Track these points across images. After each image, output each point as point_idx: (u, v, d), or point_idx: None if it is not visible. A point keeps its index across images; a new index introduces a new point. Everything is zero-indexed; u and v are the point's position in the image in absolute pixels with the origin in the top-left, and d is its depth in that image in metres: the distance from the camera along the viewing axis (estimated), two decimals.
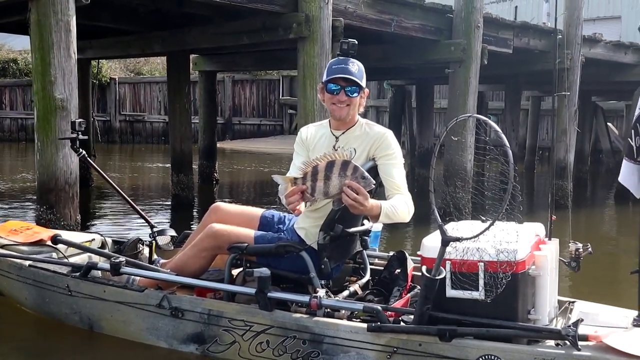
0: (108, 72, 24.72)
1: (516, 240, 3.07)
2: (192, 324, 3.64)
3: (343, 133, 3.61)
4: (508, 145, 2.91)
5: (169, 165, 10.74)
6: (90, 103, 12.00)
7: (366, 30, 8.82)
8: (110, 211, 9.42)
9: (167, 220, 9.11)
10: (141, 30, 10.10)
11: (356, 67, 3.48)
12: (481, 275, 3.01)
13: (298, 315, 3.42)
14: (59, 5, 5.87)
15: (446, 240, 3.02)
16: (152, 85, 26.10)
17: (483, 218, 3.07)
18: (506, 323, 3.04)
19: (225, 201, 4.07)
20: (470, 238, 2.99)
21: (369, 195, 3.11)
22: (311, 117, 7.42)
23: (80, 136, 4.68)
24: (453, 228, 3.20)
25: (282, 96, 27.04)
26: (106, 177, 4.89)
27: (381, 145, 3.51)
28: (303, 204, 3.21)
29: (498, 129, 3.08)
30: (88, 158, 4.85)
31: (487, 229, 2.95)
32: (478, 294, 3.02)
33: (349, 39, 3.58)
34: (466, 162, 9.24)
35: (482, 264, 3.01)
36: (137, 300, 3.77)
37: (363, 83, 3.50)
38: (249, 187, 13.41)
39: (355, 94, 3.49)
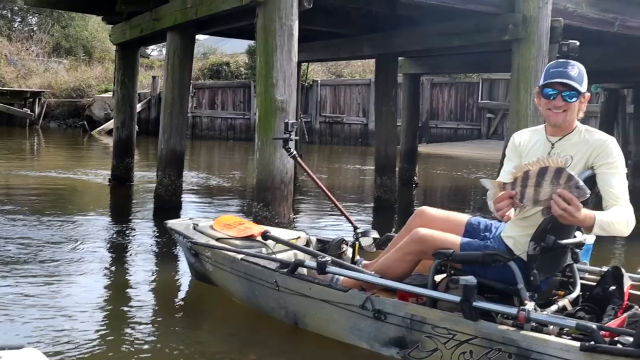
0: (311, 74, 25.61)
1: None
2: (394, 327, 3.61)
3: (560, 139, 3.40)
4: None
5: (368, 167, 10.83)
6: (299, 105, 12.42)
7: (586, 30, 8.34)
8: (314, 210, 9.68)
9: (369, 222, 9.18)
10: (351, 33, 10.30)
11: (576, 71, 3.28)
12: None
13: (504, 327, 3.27)
14: (284, 11, 6.12)
15: None
16: (352, 88, 26.64)
17: None
18: None
19: (430, 206, 3.99)
20: None
21: (581, 206, 2.89)
22: (524, 122, 7.13)
23: (293, 136, 4.85)
24: None
25: (481, 100, 26.41)
26: (314, 177, 5.01)
27: (602, 153, 3.26)
28: (512, 210, 3.03)
29: None
30: (298, 158, 5.00)
31: None
32: None
33: (570, 41, 3.40)
34: None
35: None
36: (341, 300, 3.81)
37: (583, 87, 3.28)
38: (448, 192, 13.19)
39: (573, 99, 3.28)
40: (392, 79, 10.57)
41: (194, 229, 4.85)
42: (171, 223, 5.17)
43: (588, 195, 2.90)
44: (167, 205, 8.41)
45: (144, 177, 11.86)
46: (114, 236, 7.04)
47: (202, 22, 8.26)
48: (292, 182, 6.35)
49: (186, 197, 9.56)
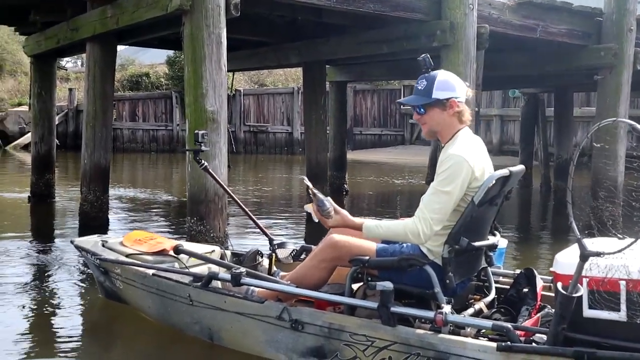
0: (234, 83, 25.38)
1: None
2: (312, 337, 3.54)
3: (442, 149, 3.51)
4: None
5: (295, 175, 10.74)
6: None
7: (510, 36, 8.51)
8: (249, 223, 9.48)
9: (301, 232, 9.07)
10: (277, 41, 10.19)
11: (423, 84, 3.40)
12: (623, 294, 2.80)
13: (422, 331, 3.26)
14: (212, 19, 5.97)
15: (585, 255, 2.81)
16: (276, 97, 26.60)
17: (620, 236, 2.87)
18: None
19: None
20: (614, 253, 2.76)
21: (328, 217, 3.48)
22: None
23: (203, 147, 4.75)
24: (592, 243, 2.95)
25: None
26: (227, 189, 5.02)
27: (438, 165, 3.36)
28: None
29: None
30: (209, 169, 4.91)
31: (634, 242, 2.72)
32: (619, 315, 2.83)
33: (423, 55, 3.49)
34: (615, 173, 8.68)
35: (623, 282, 2.81)
36: (257, 312, 3.71)
37: (433, 95, 3.37)
38: (376, 199, 13.24)
39: (422, 111, 3.42)
40: (320, 87, 10.53)
41: (103, 246, 4.67)
42: (78, 241, 4.97)
43: (327, 210, 3.47)
44: (93, 223, 8.07)
45: (66, 193, 11.39)
46: (32, 257, 6.65)
47: (123, 31, 7.99)
48: (226, 196, 6.17)
49: (113, 213, 9.20)
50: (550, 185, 14.18)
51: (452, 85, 3.39)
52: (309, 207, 3.63)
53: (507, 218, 10.89)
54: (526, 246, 8.28)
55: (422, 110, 3.41)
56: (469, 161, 3.24)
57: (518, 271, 3.87)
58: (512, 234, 8.98)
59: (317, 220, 3.59)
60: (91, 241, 4.86)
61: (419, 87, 3.41)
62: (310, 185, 3.58)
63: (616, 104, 8.74)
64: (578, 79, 11.57)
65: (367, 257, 3.49)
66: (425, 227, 3.24)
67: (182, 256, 4.42)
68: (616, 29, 8.72)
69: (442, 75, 3.42)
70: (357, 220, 3.48)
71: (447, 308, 3.23)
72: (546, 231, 10.07)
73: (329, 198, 3.56)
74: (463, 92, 3.42)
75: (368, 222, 3.43)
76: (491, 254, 3.75)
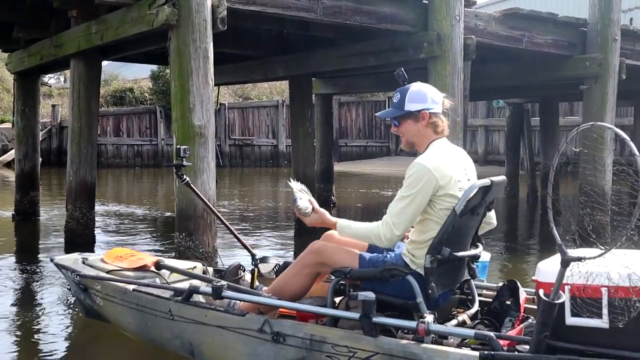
0: (219, 97, 25.32)
1: None
2: (293, 349, 3.48)
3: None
4: (638, 153, 2.64)
5: (282, 188, 10.67)
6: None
7: (496, 47, 8.53)
8: (223, 239, 9.40)
9: (290, 246, 9.00)
10: (264, 55, 10.15)
11: (397, 97, 3.49)
12: (604, 301, 2.79)
13: (405, 341, 3.22)
14: (198, 33, 5.92)
15: (566, 261, 2.78)
16: (261, 110, 26.59)
17: (602, 247, 2.79)
18: (637, 355, 2.78)
19: None
20: (594, 257, 2.73)
21: (305, 215, 3.53)
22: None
23: (185, 162, 4.71)
24: (575, 252, 2.90)
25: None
26: (209, 204, 5.02)
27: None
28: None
29: (625, 135, 2.83)
30: (191, 185, 4.86)
31: (614, 247, 2.69)
32: (601, 322, 2.81)
33: (399, 69, 3.57)
34: (602, 181, 8.70)
35: (605, 289, 2.79)
36: (239, 325, 3.66)
37: (405, 107, 3.44)
38: (363, 210, 13.21)
39: (397, 123, 3.51)
40: (307, 100, 10.51)
41: (84, 263, 4.63)
42: (58, 259, 4.92)
43: (304, 210, 3.52)
44: (79, 240, 7.97)
45: (51, 210, 11.25)
46: (15, 277, 6.54)
47: (108, 47, 7.92)
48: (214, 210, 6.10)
49: (100, 230, 9.08)
50: (537, 194, 14.22)
51: (424, 97, 3.44)
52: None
53: (495, 228, 10.90)
54: (513, 257, 8.26)
55: (396, 122, 3.51)
56: (431, 169, 3.28)
57: (501, 284, 3.87)
58: (499, 244, 8.97)
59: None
60: (71, 259, 4.83)
61: (394, 100, 3.51)
62: (292, 185, 3.68)
63: (602, 113, 8.77)
64: (563, 88, 11.63)
65: (349, 268, 3.48)
66: (386, 230, 3.32)
67: (164, 272, 4.40)
68: (601, 39, 8.76)
69: (414, 88, 3.47)
70: (333, 219, 3.54)
71: (429, 317, 3.21)
72: (533, 240, 10.08)
73: (310, 197, 3.63)
74: (437, 104, 3.45)
75: (341, 222, 3.51)
76: (474, 266, 3.74)
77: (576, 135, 2.93)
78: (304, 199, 3.58)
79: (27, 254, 7.91)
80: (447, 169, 3.33)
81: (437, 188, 3.29)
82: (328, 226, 3.59)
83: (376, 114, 3.84)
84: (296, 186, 3.65)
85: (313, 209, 3.56)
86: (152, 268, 4.38)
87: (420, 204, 3.30)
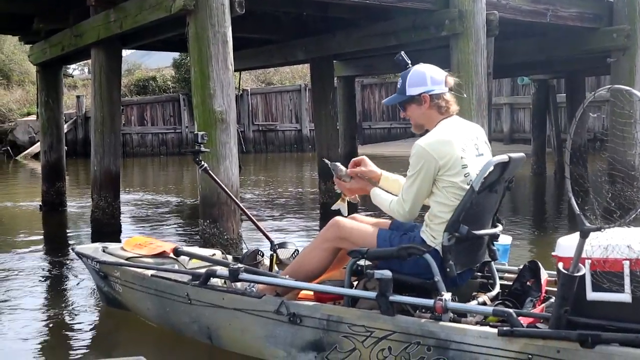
0: (241, 83, 25.29)
1: None
2: (310, 330, 3.47)
3: None
4: None
5: (307, 172, 10.61)
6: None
7: (519, 22, 8.38)
8: (247, 225, 9.39)
9: (316, 229, 8.96)
10: (283, 38, 10.08)
11: (399, 82, 3.53)
12: (626, 274, 2.74)
13: (422, 320, 3.19)
14: (216, 17, 5.88)
15: (585, 231, 2.70)
16: (284, 94, 26.54)
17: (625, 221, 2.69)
18: None
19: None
20: (614, 226, 2.64)
21: (340, 178, 3.75)
22: (468, 117, 6.96)
23: (202, 149, 4.70)
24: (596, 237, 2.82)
25: None
26: (228, 191, 5.03)
27: None
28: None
29: None
30: (209, 171, 4.86)
31: (635, 213, 2.61)
32: (624, 296, 2.75)
33: (400, 53, 3.60)
34: (631, 157, 8.50)
35: (627, 262, 2.72)
36: (255, 307, 3.66)
37: (407, 92, 3.47)
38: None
39: (403, 108, 3.56)
40: (328, 83, 10.41)
41: (104, 251, 4.71)
42: (79, 248, 5.02)
43: (342, 174, 3.73)
44: (105, 229, 8.00)
45: (78, 200, 11.33)
46: (42, 267, 6.57)
47: (127, 35, 7.91)
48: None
49: (125, 219, 9.12)
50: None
51: (424, 80, 3.44)
52: (337, 205, 3.89)
53: (520, 207, 10.77)
54: (539, 236, 8.14)
55: (402, 108, 3.55)
56: (428, 150, 3.29)
57: (522, 266, 3.81)
58: (525, 223, 8.85)
59: (346, 214, 3.82)
60: (92, 247, 4.93)
61: (398, 86, 3.55)
62: (328, 162, 3.97)
63: (630, 86, 8.49)
64: (589, 63, 11.41)
65: (366, 249, 3.47)
66: (399, 206, 3.43)
67: (183, 258, 4.46)
68: (628, 9, 8.58)
69: (414, 71, 3.48)
70: (371, 184, 3.72)
71: (447, 295, 3.19)
72: (560, 219, 9.92)
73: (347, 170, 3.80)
74: (439, 84, 3.43)
75: (375, 189, 3.65)
76: (495, 248, 3.69)
77: (601, 106, 2.83)
78: (343, 169, 3.76)
79: (54, 244, 7.96)
80: (446, 148, 3.32)
81: (438, 167, 3.31)
82: (366, 192, 3.70)
83: (383, 102, 3.86)
84: (328, 162, 3.92)
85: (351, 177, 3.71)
86: (171, 254, 4.44)
87: (422, 183, 3.34)
